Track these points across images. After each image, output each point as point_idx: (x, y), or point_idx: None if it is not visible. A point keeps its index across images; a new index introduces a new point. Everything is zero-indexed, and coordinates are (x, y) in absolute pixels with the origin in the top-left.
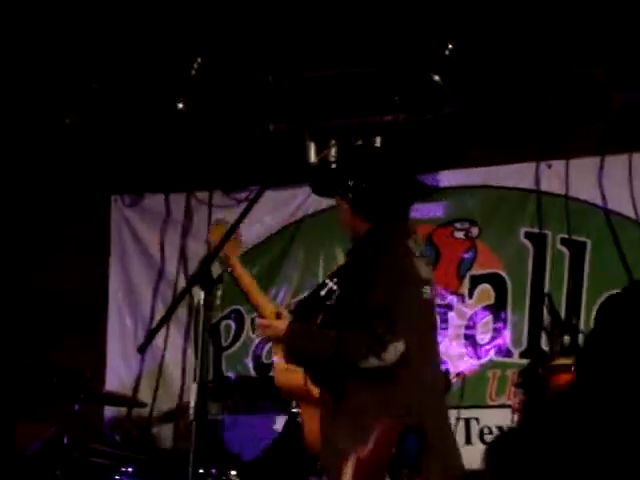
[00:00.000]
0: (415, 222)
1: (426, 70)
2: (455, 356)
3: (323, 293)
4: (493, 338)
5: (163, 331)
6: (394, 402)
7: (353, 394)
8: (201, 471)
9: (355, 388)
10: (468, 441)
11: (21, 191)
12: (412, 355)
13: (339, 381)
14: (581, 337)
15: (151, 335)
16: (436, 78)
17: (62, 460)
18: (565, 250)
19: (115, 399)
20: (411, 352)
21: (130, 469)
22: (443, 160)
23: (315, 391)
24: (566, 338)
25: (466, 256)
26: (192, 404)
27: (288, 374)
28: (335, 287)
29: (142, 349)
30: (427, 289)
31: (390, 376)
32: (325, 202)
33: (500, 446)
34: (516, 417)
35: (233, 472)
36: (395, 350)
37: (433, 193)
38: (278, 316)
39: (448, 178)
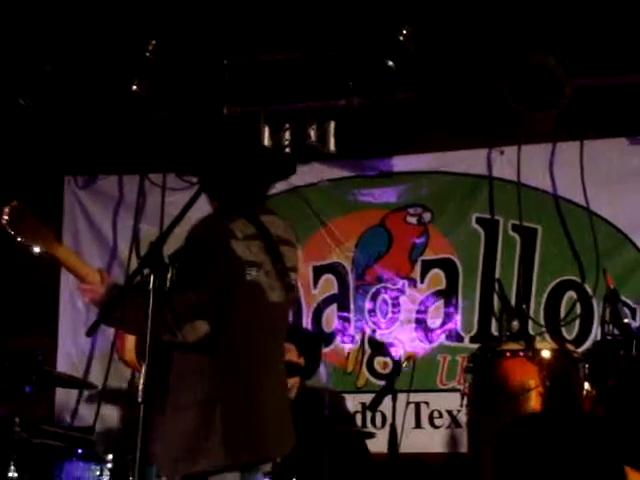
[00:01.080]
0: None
1: (380, 55)
2: (406, 340)
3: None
4: (444, 323)
5: None
6: (207, 373)
7: (173, 364)
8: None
9: (175, 358)
10: (418, 425)
11: None
12: (227, 336)
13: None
14: (530, 323)
15: (100, 318)
16: (390, 63)
17: (13, 442)
18: (516, 236)
19: (66, 381)
20: (226, 333)
21: (80, 450)
22: (396, 145)
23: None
24: (515, 323)
25: (418, 241)
26: (141, 386)
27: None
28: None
29: (90, 332)
30: (252, 270)
31: (200, 354)
32: (281, 185)
33: (508, 436)
34: (465, 401)
35: None
36: (192, 328)
37: (285, 176)
38: (102, 278)
39: (401, 163)
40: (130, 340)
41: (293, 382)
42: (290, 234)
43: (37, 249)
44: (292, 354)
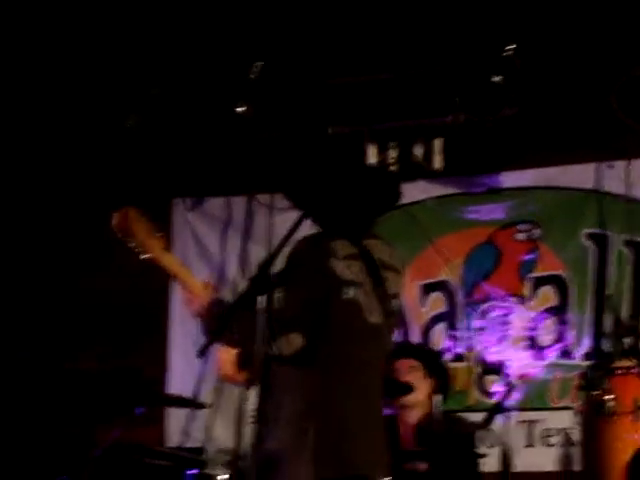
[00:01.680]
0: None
1: (487, 71)
2: (517, 358)
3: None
4: (555, 340)
5: None
6: (302, 388)
7: (273, 377)
8: None
9: (272, 373)
10: (530, 443)
11: (86, 195)
12: (326, 353)
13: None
14: None
15: (211, 339)
16: (496, 79)
17: (125, 463)
18: (628, 251)
19: (176, 401)
20: (325, 350)
21: (191, 471)
22: (503, 161)
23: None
24: (628, 340)
25: (527, 258)
26: (252, 406)
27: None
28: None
29: (201, 353)
30: (350, 289)
31: (298, 367)
32: None
33: None
34: (578, 419)
35: None
36: (287, 341)
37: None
38: (207, 290)
39: (508, 179)
40: (226, 352)
41: (413, 402)
42: (395, 260)
43: (145, 255)
44: (418, 375)
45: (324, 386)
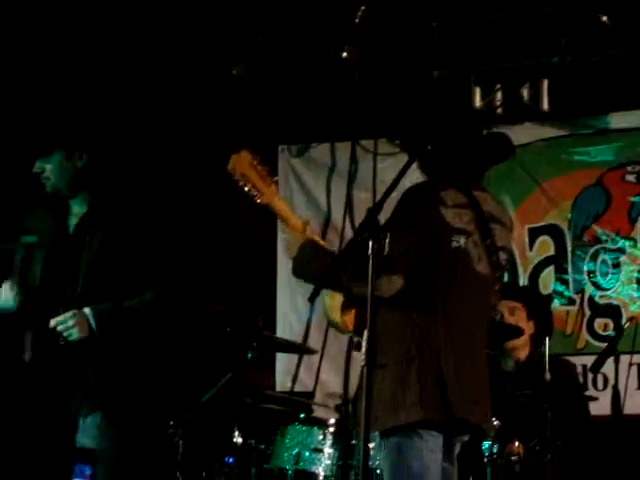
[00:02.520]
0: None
1: (594, 10)
2: (629, 301)
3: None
4: None
5: None
6: (406, 333)
7: (380, 322)
8: None
9: (382, 317)
10: None
11: (190, 144)
12: (431, 299)
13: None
14: None
15: (321, 283)
16: (604, 19)
17: (237, 407)
18: None
19: (286, 346)
20: (430, 295)
21: (302, 415)
22: (611, 102)
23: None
24: None
25: (638, 200)
26: (363, 350)
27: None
28: None
29: (312, 298)
30: (460, 238)
31: (402, 316)
32: None
33: None
34: None
35: None
36: (389, 282)
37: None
38: (303, 228)
39: (617, 120)
40: (335, 298)
41: (517, 345)
42: (504, 215)
43: (258, 199)
44: (521, 316)
45: (428, 332)
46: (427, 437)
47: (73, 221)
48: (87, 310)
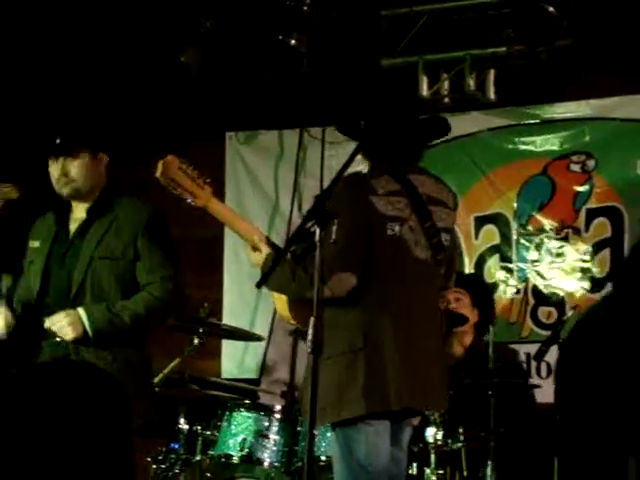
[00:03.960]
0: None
1: (541, 1)
2: (572, 290)
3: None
4: (610, 272)
5: None
6: (353, 325)
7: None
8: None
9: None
10: None
11: (135, 130)
12: (371, 289)
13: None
14: None
15: (269, 270)
16: (551, 9)
17: (182, 394)
18: None
19: (232, 333)
20: (370, 286)
21: (247, 402)
22: (558, 92)
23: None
24: None
25: (582, 189)
26: (309, 337)
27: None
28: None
29: (260, 284)
30: (394, 225)
31: (347, 307)
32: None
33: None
34: None
35: None
36: (340, 281)
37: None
38: (268, 241)
39: (563, 110)
40: (280, 298)
41: (461, 332)
42: (445, 195)
43: (194, 203)
44: (465, 304)
45: (373, 322)
46: (374, 422)
47: (73, 226)
48: (80, 310)
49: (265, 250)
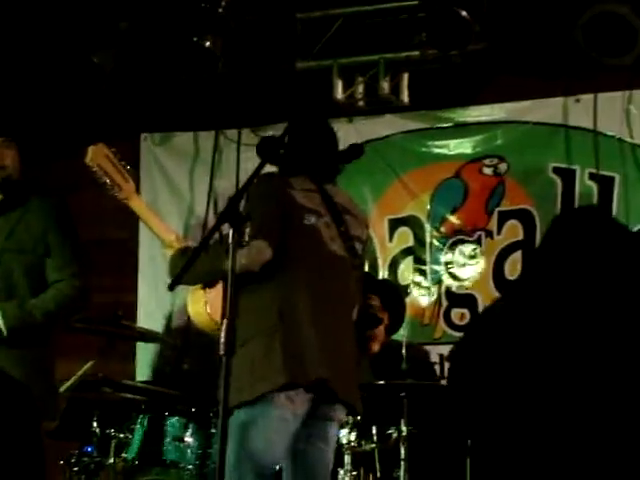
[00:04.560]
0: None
1: (454, 5)
2: (483, 291)
3: None
4: (521, 274)
5: None
6: (259, 307)
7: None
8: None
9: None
10: None
11: (49, 131)
12: (285, 272)
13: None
14: None
15: (181, 272)
16: (463, 13)
17: (95, 397)
18: (593, 185)
19: (147, 336)
20: (284, 269)
21: (162, 404)
22: (471, 96)
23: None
24: None
25: (495, 192)
26: (222, 339)
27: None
28: None
29: (172, 287)
30: (311, 217)
31: (260, 290)
32: (355, 138)
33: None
34: None
35: None
36: (257, 249)
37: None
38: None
39: (476, 114)
40: (198, 303)
41: (373, 335)
42: (358, 212)
43: (117, 194)
44: (375, 307)
45: (290, 304)
46: (284, 403)
47: None
48: None
49: (176, 246)
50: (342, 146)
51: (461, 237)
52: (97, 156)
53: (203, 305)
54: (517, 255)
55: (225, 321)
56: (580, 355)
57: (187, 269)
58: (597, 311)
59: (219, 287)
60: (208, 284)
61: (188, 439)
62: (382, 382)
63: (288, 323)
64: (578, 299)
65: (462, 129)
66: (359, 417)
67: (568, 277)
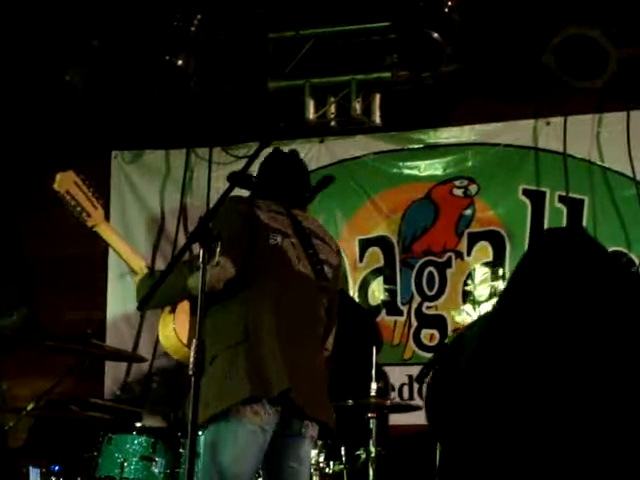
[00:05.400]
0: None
1: (426, 27)
2: (453, 312)
3: None
4: (491, 295)
5: None
6: (226, 325)
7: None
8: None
9: (210, 320)
10: None
11: (19, 148)
12: (250, 288)
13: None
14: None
15: (151, 292)
16: (435, 35)
17: (62, 414)
18: (563, 207)
19: (115, 354)
20: (249, 286)
21: (130, 423)
22: (442, 117)
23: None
24: None
25: (465, 213)
26: (192, 358)
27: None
28: None
29: (141, 306)
30: (277, 236)
31: (226, 307)
32: (327, 158)
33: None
34: None
35: None
36: (220, 267)
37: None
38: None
39: (447, 135)
40: (166, 328)
41: None
42: (327, 236)
43: (86, 221)
44: None
45: (256, 320)
46: (250, 417)
47: None
48: None
49: (144, 272)
50: (314, 166)
51: (431, 258)
52: (65, 183)
53: (172, 330)
54: (487, 276)
55: (194, 341)
56: (561, 372)
57: (155, 290)
58: (578, 331)
59: (186, 310)
60: (173, 304)
61: (157, 458)
62: (350, 402)
63: (253, 338)
64: (560, 318)
65: (433, 150)
66: (330, 439)
67: (549, 297)
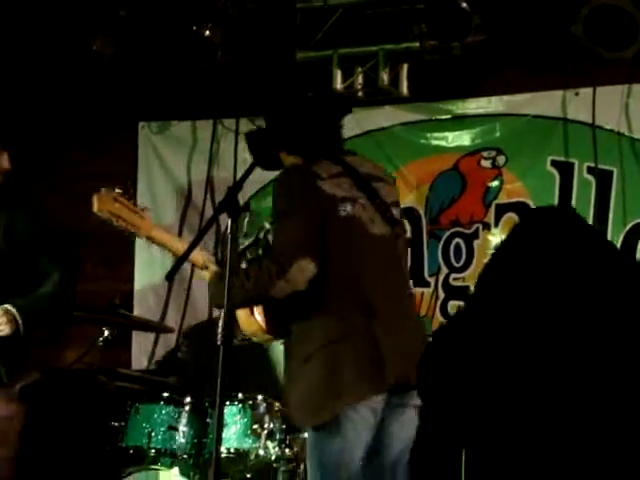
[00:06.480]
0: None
1: None
2: None
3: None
4: None
5: None
6: (320, 320)
7: (293, 326)
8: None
9: (293, 320)
10: None
11: (46, 120)
12: (335, 274)
13: (282, 318)
14: None
15: (178, 263)
16: (464, 5)
17: (91, 384)
18: (591, 179)
19: (143, 325)
20: (333, 271)
21: (157, 393)
22: (470, 88)
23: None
24: None
25: (492, 185)
26: (219, 329)
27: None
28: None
29: (169, 277)
30: (346, 205)
31: (315, 300)
32: (354, 129)
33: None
34: None
35: (259, 396)
36: (299, 269)
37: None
38: (216, 260)
39: (475, 106)
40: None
41: None
42: (382, 172)
43: (137, 234)
44: None
45: (344, 308)
46: (363, 414)
47: None
48: (9, 306)
49: (213, 269)
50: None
51: (458, 229)
52: (105, 204)
53: (255, 318)
54: None
55: (223, 311)
56: (550, 359)
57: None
58: (567, 315)
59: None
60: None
61: (183, 428)
62: None
63: (354, 331)
64: (547, 302)
65: (461, 121)
66: None
67: (532, 281)
